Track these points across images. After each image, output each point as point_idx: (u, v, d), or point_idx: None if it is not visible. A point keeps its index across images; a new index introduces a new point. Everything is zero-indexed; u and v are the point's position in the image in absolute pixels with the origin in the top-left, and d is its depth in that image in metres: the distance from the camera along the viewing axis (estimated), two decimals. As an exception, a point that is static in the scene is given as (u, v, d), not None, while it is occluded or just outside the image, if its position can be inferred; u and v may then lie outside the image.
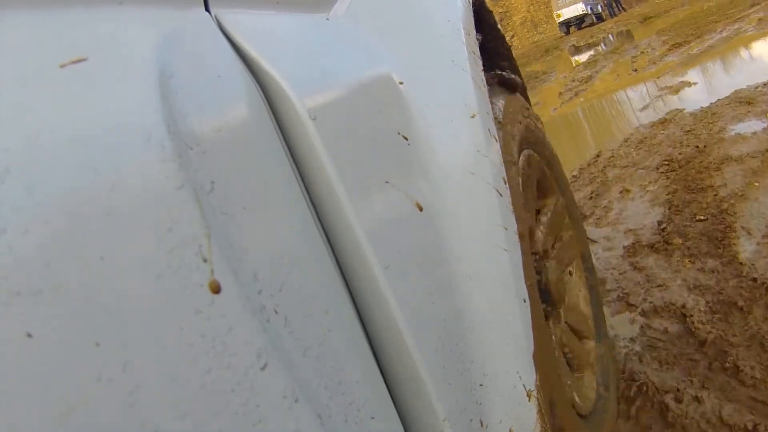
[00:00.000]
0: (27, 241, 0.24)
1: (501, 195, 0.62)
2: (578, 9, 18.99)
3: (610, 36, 12.51)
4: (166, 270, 0.28)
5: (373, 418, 0.38)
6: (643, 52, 7.36)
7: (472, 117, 0.69)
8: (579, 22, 18.90)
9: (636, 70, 6.04)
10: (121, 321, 0.26)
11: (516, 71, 1.25)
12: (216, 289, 0.29)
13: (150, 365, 0.26)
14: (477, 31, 0.96)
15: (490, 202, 0.61)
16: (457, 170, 0.62)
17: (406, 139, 0.59)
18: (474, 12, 0.98)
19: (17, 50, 0.29)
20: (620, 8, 22.22)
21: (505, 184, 0.65)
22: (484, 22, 1.13)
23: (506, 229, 0.59)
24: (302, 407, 0.32)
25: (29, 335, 0.23)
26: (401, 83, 0.64)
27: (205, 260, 0.30)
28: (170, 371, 0.27)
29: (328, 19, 0.65)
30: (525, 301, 0.57)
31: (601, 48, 10.78)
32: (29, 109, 0.27)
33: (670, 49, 6.68)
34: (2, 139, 0.25)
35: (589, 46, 11.53)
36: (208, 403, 0.28)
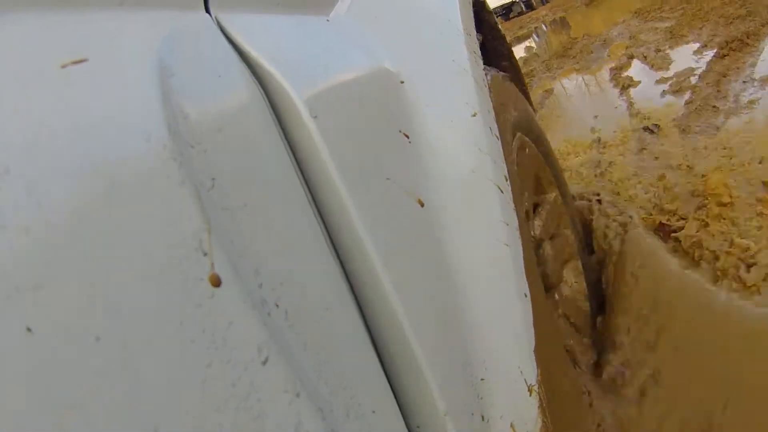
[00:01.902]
0: (27, 238, 0.24)
1: (502, 191, 0.62)
2: (505, -3, 15.58)
3: (543, 26, 9.06)
4: (166, 265, 0.28)
5: (374, 412, 0.38)
6: (632, 57, 3.64)
7: (473, 115, 0.70)
8: (506, 11, 15.60)
9: (652, 129, 2.21)
10: (122, 316, 0.26)
11: (517, 70, 1.26)
12: (216, 282, 0.29)
13: (150, 360, 0.26)
14: (477, 31, 0.96)
15: (491, 198, 0.61)
16: (458, 168, 0.62)
17: (407, 137, 0.59)
18: (474, 12, 0.99)
19: (18, 50, 0.29)
20: None
21: (506, 180, 0.65)
22: (484, 22, 1.13)
23: (507, 224, 0.59)
24: (303, 401, 0.32)
25: (29, 330, 0.23)
26: (402, 82, 0.64)
27: (205, 254, 0.30)
28: (171, 366, 0.27)
29: (328, 20, 0.65)
30: (526, 296, 0.57)
31: (534, 40, 7.64)
32: (30, 108, 0.27)
33: (727, 53, 2.74)
34: (2, 138, 0.26)
35: (518, 40, 8.07)
36: (209, 398, 0.28)
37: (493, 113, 0.77)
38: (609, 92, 3.31)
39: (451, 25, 0.86)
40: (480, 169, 0.62)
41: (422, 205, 0.52)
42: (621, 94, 3.11)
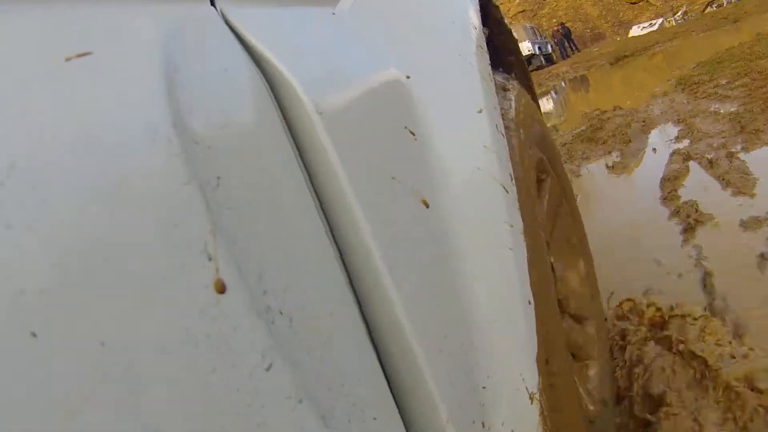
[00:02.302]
0: (31, 238, 0.24)
1: (507, 192, 0.62)
2: (523, 49, 15.48)
3: (562, 83, 8.67)
4: (171, 269, 0.28)
5: (375, 419, 0.38)
6: (690, 158, 2.53)
7: (479, 112, 0.69)
8: (525, 65, 16.18)
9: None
10: (126, 320, 0.26)
11: (523, 67, 1.25)
12: (221, 289, 0.29)
13: (155, 365, 0.26)
14: (484, 26, 0.95)
15: (496, 198, 0.61)
16: (463, 165, 0.61)
17: (413, 133, 0.58)
18: (481, 6, 0.98)
19: (22, 43, 0.29)
20: (574, 48, 19.97)
21: (512, 180, 0.65)
22: (491, 16, 1.12)
23: (512, 226, 0.59)
24: (306, 408, 0.32)
25: (33, 334, 0.22)
26: (408, 77, 0.63)
27: (210, 259, 0.29)
28: (175, 371, 0.27)
29: (334, 13, 0.64)
30: (530, 302, 0.57)
31: (552, 98, 6.68)
32: (34, 103, 0.27)
33: None
34: (7, 134, 0.25)
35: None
36: (213, 404, 0.28)
37: (498, 109, 0.77)
38: (665, 228, 1.94)
39: (457, 19, 0.85)
40: (485, 167, 0.62)
41: (427, 206, 0.51)
42: (685, 238, 1.78)
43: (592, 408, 0.89)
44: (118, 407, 0.24)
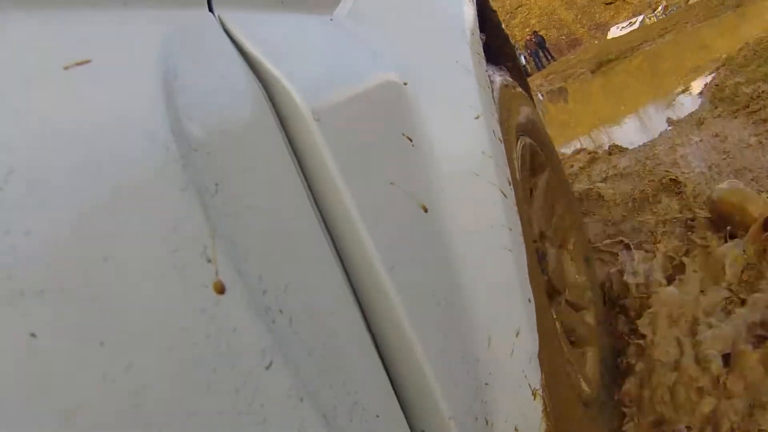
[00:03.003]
0: (30, 241, 0.24)
1: (506, 196, 0.62)
2: (490, 65, 15.75)
3: (539, 95, 7.70)
4: (170, 270, 0.28)
5: (378, 416, 0.38)
6: None
7: (477, 118, 0.69)
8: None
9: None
10: (126, 321, 0.26)
11: (520, 73, 1.25)
12: (220, 289, 0.29)
13: (154, 365, 0.26)
14: (481, 31, 0.96)
15: (494, 202, 0.61)
16: (461, 171, 0.62)
17: (411, 140, 0.59)
18: (478, 12, 0.98)
19: (21, 51, 0.29)
20: (549, 57, 19.12)
21: (510, 185, 0.65)
22: (488, 21, 1.13)
23: (510, 229, 0.59)
24: (307, 406, 0.32)
25: (33, 335, 0.23)
26: (405, 84, 0.64)
27: (209, 261, 0.30)
28: (175, 371, 0.27)
29: (331, 19, 0.65)
30: (530, 301, 0.57)
31: None
32: (33, 110, 0.27)
33: None
34: (6, 139, 0.25)
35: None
36: (213, 403, 0.28)
37: (496, 115, 0.77)
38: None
39: (454, 25, 0.86)
40: (483, 172, 0.62)
41: (426, 210, 0.52)
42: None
43: (587, 389, 0.88)
44: (118, 406, 0.24)
